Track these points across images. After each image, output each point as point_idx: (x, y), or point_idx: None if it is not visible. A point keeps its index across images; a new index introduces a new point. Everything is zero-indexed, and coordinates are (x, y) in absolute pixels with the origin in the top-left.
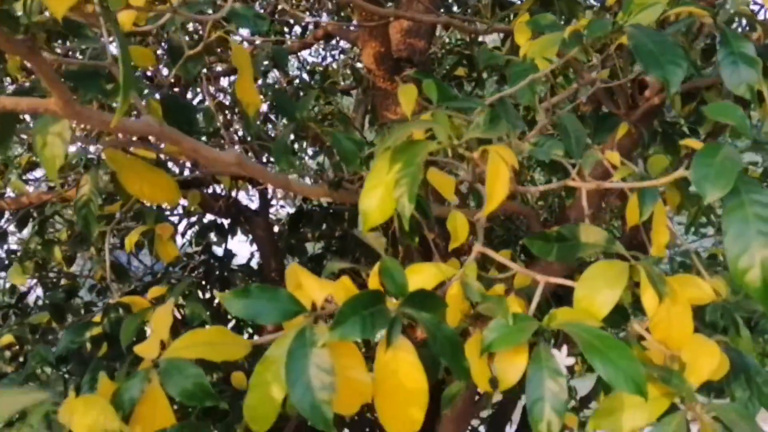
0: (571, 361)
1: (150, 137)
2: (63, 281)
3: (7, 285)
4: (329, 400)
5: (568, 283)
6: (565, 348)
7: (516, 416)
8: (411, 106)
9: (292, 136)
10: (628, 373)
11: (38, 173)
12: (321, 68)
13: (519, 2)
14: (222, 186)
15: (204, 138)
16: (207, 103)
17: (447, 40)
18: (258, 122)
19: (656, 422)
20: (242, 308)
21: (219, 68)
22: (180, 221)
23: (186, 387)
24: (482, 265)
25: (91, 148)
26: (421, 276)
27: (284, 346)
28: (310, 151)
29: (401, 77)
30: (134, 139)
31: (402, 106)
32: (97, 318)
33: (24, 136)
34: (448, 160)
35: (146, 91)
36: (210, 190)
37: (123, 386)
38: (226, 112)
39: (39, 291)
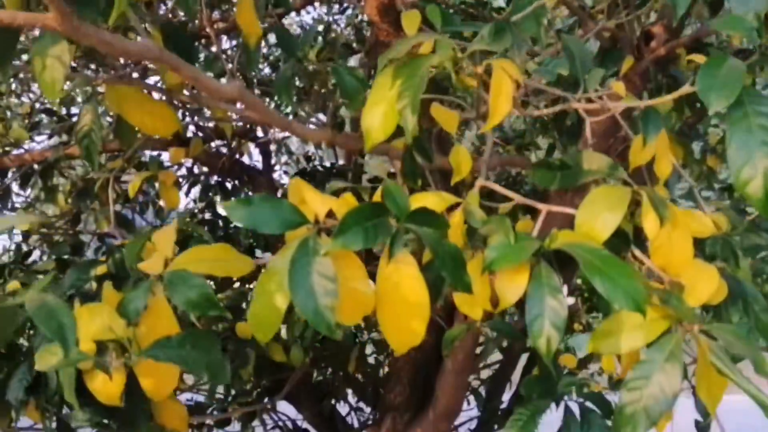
0: (570, 301)
1: (150, 63)
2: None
3: (12, 246)
4: (332, 306)
5: (569, 211)
6: (565, 288)
7: (516, 377)
8: (414, 31)
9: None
10: (628, 291)
11: (40, 138)
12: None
13: None
14: (224, 142)
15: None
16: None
17: None
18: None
19: (654, 343)
20: (244, 216)
21: (220, 25)
22: (184, 183)
23: (191, 297)
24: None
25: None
26: (423, 202)
27: (287, 256)
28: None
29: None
30: (134, 75)
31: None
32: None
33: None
34: (452, 98)
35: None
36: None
37: (127, 296)
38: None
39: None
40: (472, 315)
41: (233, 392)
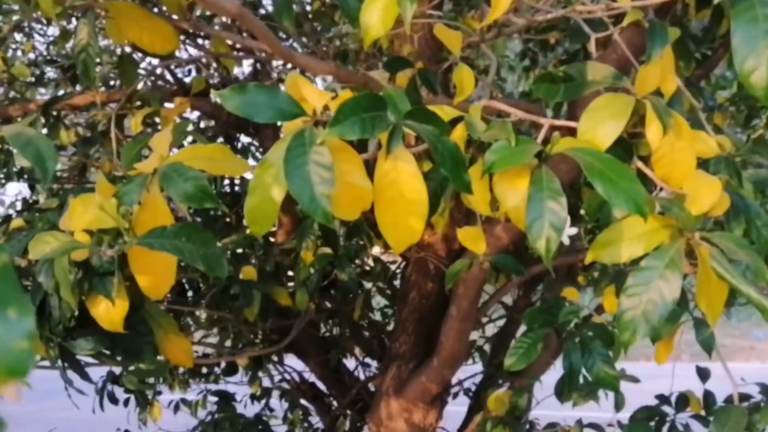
0: (573, 231)
1: None
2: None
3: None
4: (328, 194)
5: (571, 124)
6: (568, 219)
7: (520, 334)
8: None
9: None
10: (629, 193)
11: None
12: None
13: None
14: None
15: None
16: None
17: None
18: None
19: (654, 251)
20: (239, 104)
21: None
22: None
23: (186, 189)
24: None
25: None
26: None
27: (282, 148)
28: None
29: None
30: None
31: None
32: None
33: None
34: (454, 22)
35: None
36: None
37: (122, 189)
38: None
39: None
40: (476, 249)
41: (240, 346)
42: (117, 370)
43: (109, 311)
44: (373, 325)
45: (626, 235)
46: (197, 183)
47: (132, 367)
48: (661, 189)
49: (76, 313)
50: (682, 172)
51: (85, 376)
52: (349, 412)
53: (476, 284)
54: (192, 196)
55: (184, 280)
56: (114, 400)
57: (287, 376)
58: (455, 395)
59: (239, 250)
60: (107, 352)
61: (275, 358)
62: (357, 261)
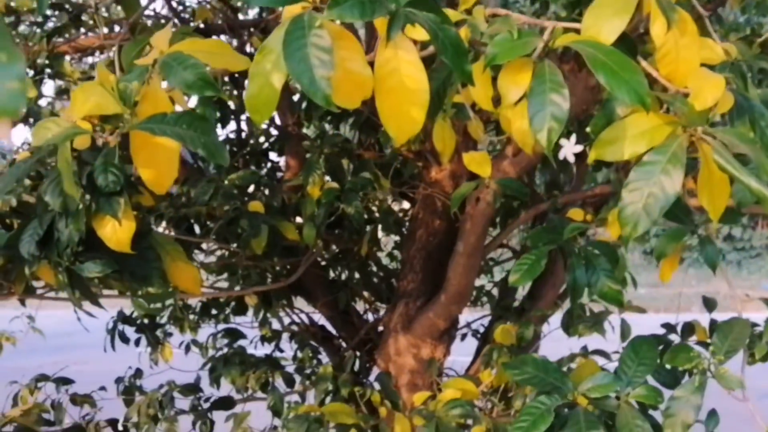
0: (579, 148)
1: None
2: None
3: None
4: (328, 77)
5: (576, 26)
6: (573, 136)
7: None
8: None
9: None
10: (631, 84)
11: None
12: None
13: None
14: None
15: None
16: None
17: None
18: None
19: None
20: None
21: None
22: None
23: (186, 78)
24: None
25: None
26: None
27: (282, 34)
28: None
29: None
30: None
31: None
32: None
33: None
34: None
35: None
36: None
37: (122, 79)
38: None
39: None
40: (481, 173)
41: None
42: (127, 310)
43: (116, 231)
44: (381, 268)
45: (629, 132)
46: (197, 71)
47: (140, 293)
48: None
49: (84, 235)
50: (687, 69)
51: (95, 301)
52: (358, 353)
53: (483, 220)
54: (192, 84)
55: (191, 220)
56: (125, 339)
57: (296, 319)
58: (463, 337)
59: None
60: (115, 276)
61: (284, 301)
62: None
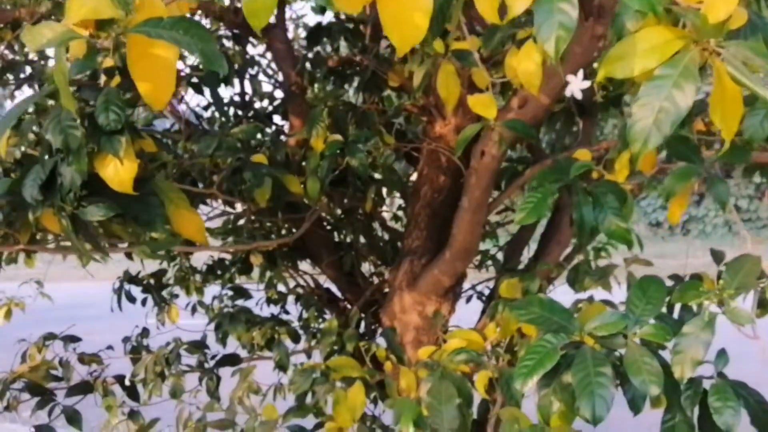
0: (587, 84)
1: None
2: None
3: None
4: None
5: None
6: (580, 73)
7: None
8: None
9: None
10: None
11: None
12: None
13: None
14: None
15: None
16: None
17: None
18: None
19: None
20: None
21: None
22: None
23: None
24: None
25: None
26: None
27: None
28: None
29: None
30: None
31: None
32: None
33: None
34: None
35: None
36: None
37: None
38: None
39: None
40: (486, 114)
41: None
42: (133, 270)
43: (118, 171)
44: (386, 229)
45: (639, 47)
46: None
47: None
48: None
49: (86, 177)
50: None
51: (97, 246)
52: (363, 314)
53: (488, 174)
54: None
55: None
56: (131, 299)
57: (302, 282)
58: (468, 299)
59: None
60: (118, 221)
61: (289, 263)
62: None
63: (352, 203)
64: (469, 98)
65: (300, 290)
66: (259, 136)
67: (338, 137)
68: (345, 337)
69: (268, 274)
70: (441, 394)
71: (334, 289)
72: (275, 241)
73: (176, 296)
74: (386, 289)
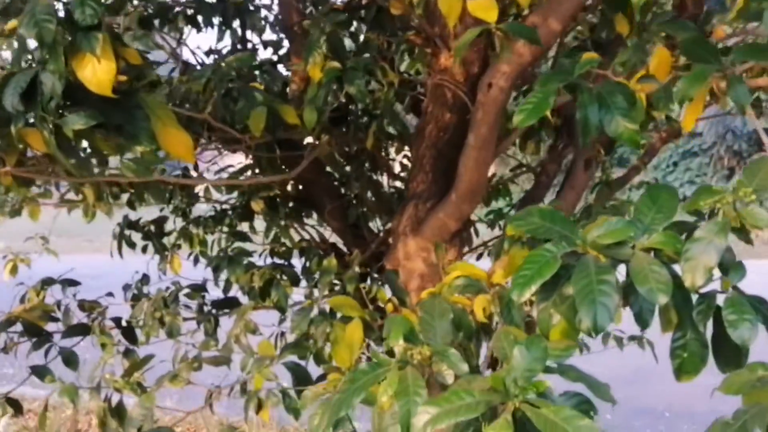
0: None
1: None
2: None
3: None
4: None
5: None
6: None
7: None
8: None
9: None
10: None
11: None
12: None
13: None
14: None
15: None
16: None
17: None
18: None
19: None
20: None
21: None
22: None
23: None
24: None
25: None
26: None
27: None
28: None
29: None
30: None
31: None
32: None
33: None
34: None
35: None
36: None
37: None
38: None
39: None
40: (486, 18)
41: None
42: (133, 216)
43: (96, 72)
44: (392, 175)
45: None
46: None
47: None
48: None
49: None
50: None
51: (81, 161)
52: (368, 269)
53: (495, 108)
54: None
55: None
56: (131, 245)
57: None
58: (479, 256)
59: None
60: (101, 132)
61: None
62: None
63: (353, 143)
64: (469, 3)
65: (304, 244)
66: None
67: (336, 64)
68: (345, 278)
69: (273, 232)
70: (434, 308)
71: (340, 244)
72: (278, 177)
73: (179, 246)
74: (391, 240)
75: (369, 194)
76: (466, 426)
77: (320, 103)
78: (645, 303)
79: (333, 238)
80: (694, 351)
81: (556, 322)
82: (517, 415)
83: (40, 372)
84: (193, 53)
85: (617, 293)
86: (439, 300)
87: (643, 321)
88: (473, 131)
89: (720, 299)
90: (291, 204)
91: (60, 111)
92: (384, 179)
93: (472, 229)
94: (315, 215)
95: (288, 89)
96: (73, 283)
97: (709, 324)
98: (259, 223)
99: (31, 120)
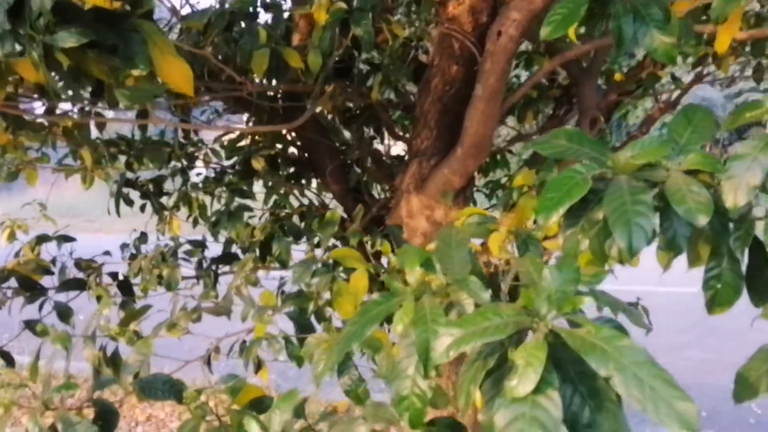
0: None
1: None
2: None
3: None
4: None
5: None
6: None
7: None
8: None
9: None
10: None
11: None
12: None
13: None
14: None
15: None
16: None
17: None
18: None
19: None
20: None
21: None
22: None
23: None
24: None
25: None
26: None
27: None
28: None
29: None
30: None
31: None
32: None
33: None
34: None
35: None
36: None
37: None
38: None
39: None
40: None
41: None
42: (132, 177)
43: None
44: (394, 135)
45: None
46: None
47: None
48: None
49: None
50: None
51: (71, 83)
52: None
53: (504, 57)
54: None
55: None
56: (129, 202)
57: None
58: None
59: None
60: (94, 53)
61: (291, 169)
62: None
63: (357, 97)
64: None
65: (304, 209)
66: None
67: (342, 5)
68: (348, 233)
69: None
70: (451, 238)
71: (340, 211)
72: (280, 126)
73: (178, 208)
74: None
75: (369, 162)
76: (490, 351)
77: (325, 46)
78: (680, 227)
79: (333, 204)
80: (729, 282)
81: (585, 248)
82: (548, 339)
83: (34, 326)
84: (192, 7)
85: (654, 214)
86: (456, 230)
87: (676, 247)
88: (481, 82)
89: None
90: (292, 168)
91: (48, 26)
92: (383, 148)
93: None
94: (315, 185)
95: (293, 38)
96: (68, 239)
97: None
98: (259, 189)
99: (20, 48)
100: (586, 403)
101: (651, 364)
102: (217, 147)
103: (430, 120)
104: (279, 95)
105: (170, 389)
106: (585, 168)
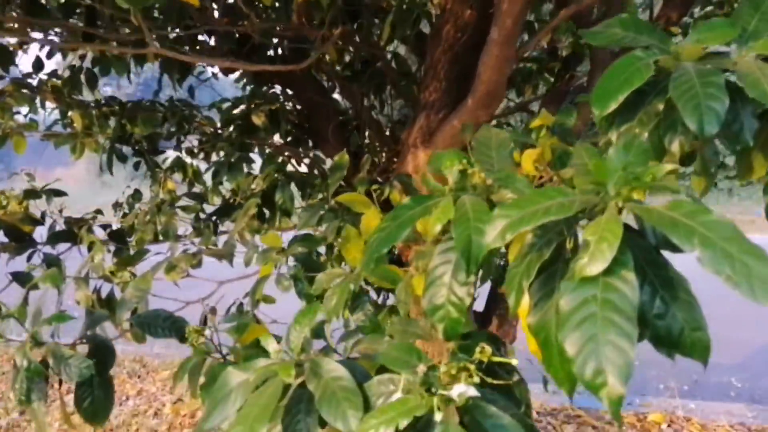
0: None
1: None
2: None
3: None
4: None
5: None
6: None
7: None
8: None
9: None
10: None
11: None
12: None
13: None
14: None
15: None
16: None
17: None
18: None
19: None
20: None
21: None
22: None
23: None
24: None
25: None
26: None
27: None
28: None
29: None
30: None
31: None
32: None
33: None
34: None
35: None
36: None
37: None
38: None
39: None
40: None
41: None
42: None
43: None
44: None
45: None
46: None
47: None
48: None
49: None
50: None
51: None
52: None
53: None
54: None
55: None
56: (123, 158)
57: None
58: None
59: None
60: None
61: (291, 126)
62: None
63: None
64: None
65: (305, 175)
66: None
67: None
68: (356, 181)
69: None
70: (491, 138)
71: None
72: (285, 66)
73: (173, 171)
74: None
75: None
76: (545, 242)
77: None
78: (747, 119)
79: None
80: None
81: (640, 142)
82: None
83: (21, 278)
84: None
85: (727, 96)
86: (496, 131)
87: (742, 140)
88: (497, 24)
89: None
90: (291, 129)
91: None
92: (387, 109)
93: None
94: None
95: None
96: (59, 193)
97: None
98: (256, 161)
99: None
100: (658, 293)
101: (741, 239)
102: (212, 115)
103: (440, 71)
104: (284, 40)
105: (171, 326)
106: (646, 54)
